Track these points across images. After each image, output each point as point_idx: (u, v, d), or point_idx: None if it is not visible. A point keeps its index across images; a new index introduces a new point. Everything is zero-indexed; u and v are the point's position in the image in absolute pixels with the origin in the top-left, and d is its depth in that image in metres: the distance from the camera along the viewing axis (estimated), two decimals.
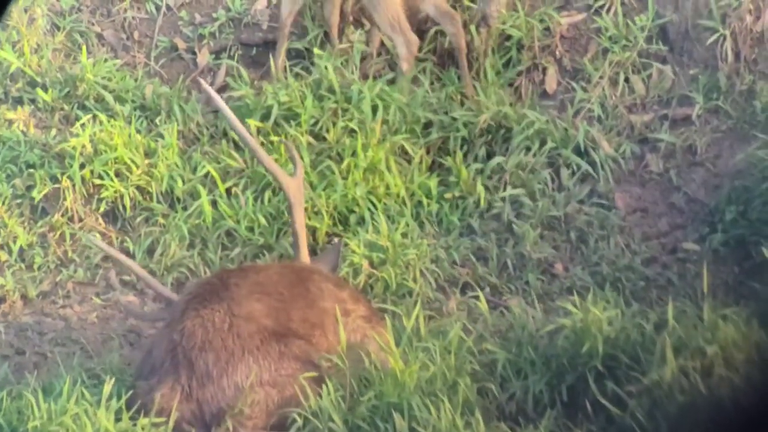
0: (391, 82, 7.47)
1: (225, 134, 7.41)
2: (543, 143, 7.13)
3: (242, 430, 5.63)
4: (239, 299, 5.81)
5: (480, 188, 7.04)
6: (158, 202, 7.16)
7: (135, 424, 5.55)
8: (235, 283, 5.89)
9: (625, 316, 5.87)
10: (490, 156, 7.18)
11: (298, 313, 5.86)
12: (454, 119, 7.25)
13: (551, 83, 7.46)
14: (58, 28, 7.79)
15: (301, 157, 7.10)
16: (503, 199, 7.01)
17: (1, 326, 6.66)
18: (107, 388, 5.64)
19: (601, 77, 7.32)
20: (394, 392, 5.67)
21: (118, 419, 5.55)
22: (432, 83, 7.44)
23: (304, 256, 6.27)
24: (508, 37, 7.48)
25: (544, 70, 7.46)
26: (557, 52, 7.46)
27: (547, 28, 7.47)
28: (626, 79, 7.28)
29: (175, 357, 5.71)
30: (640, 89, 7.27)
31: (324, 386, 5.69)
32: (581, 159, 7.10)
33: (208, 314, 5.78)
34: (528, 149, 7.12)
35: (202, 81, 6.83)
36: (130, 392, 5.70)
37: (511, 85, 7.45)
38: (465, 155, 7.20)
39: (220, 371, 5.68)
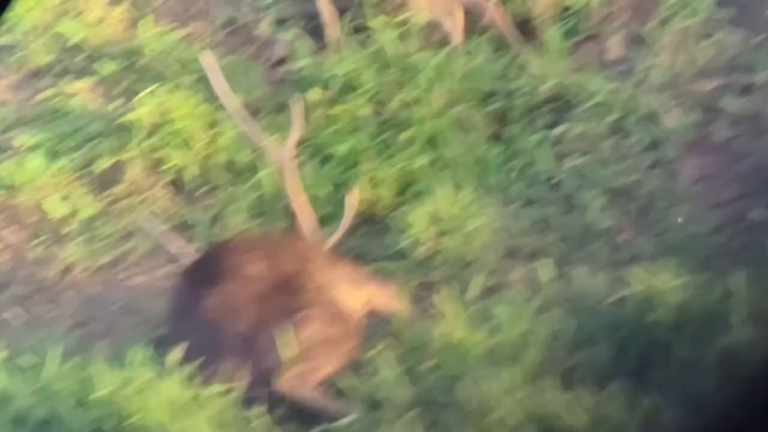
0: (452, 52, 7.44)
1: (286, 105, 7.41)
2: (607, 112, 7.08)
3: (305, 382, 5.70)
4: (238, 267, 5.97)
5: (543, 157, 7.01)
6: (221, 173, 7.18)
7: (203, 392, 5.58)
8: (223, 255, 6.08)
9: (692, 284, 5.82)
10: (553, 125, 7.14)
11: (286, 253, 6.09)
12: (516, 88, 7.21)
13: (615, 51, 7.39)
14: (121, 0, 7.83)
15: (360, 129, 7.12)
16: (567, 168, 6.97)
17: (68, 296, 6.73)
18: (175, 356, 5.67)
19: (665, 44, 7.24)
20: (457, 362, 5.66)
21: (186, 387, 5.58)
22: (494, 52, 7.40)
23: (308, 221, 6.38)
24: (570, 5, 7.42)
25: (608, 37, 7.40)
26: (620, 20, 7.39)
27: None
28: (691, 46, 7.20)
29: (212, 336, 5.76)
30: (706, 56, 7.19)
31: (384, 356, 5.71)
32: (646, 127, 7.04)
33: (221, 290, 5.87)
34: (591, 118, 7.07)
35: (206, 55, 6.78)
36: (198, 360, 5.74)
37: (573, 53, 7.40)
38: (528, 124, 7.16)
39: (259, 330, 5.78)
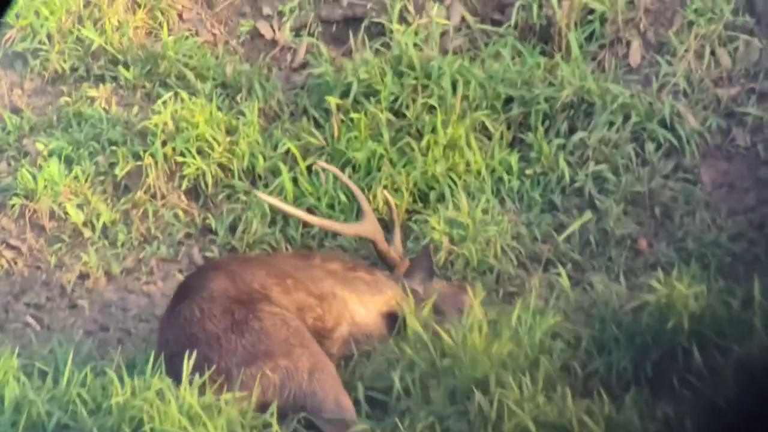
0: (472, 58, 7.41)
1: (305, 112, 7.41)
2: (627, 118, 7.03)
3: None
4: (201, 286, 5.97)
5: (562, 164, 6.97)
6: (240, 179, 7.18)
7: (218, 399, 5.56)
8: (198, 276, 6.10)
9: (711, 292, 5.77)
10: (572, 131, 7.09)
11: (258, 273, 6.04)
12: (536, 94, 7.17)
13: (635, 57, 7.34)
14: (139, 6, 7.80)
15: (381, 135, 7.10)
16: (586, 175, 6.93)
17: (86, 302, 6.73)
18: (189, 363, 5.66)
19: (686, 50, 7.19)
20: (474, 369, 5.63)
21: (201, 394, 5.57)
22: (513, 58, 7.37)
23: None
24: (592, 11, 7.38)
25: (628, 43, 7.35)
26: (641, 26, 7.34)
27: (631, 1, 7.36)
28: (712, 52, 7.15)
29: (173, 364, 5.78)
30: (727, 62, 7.14)
31: (398, 363, 5.70)
32: (666, 133, 6.99)
33: (176, 315, 5.91)
34: (611, 124, 7.02)
35: (258, 193, 6.84)
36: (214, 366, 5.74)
37: (594, 59, 7.36)
38: (546, 131, 7.12)
39: (218, 354, 5.78)
